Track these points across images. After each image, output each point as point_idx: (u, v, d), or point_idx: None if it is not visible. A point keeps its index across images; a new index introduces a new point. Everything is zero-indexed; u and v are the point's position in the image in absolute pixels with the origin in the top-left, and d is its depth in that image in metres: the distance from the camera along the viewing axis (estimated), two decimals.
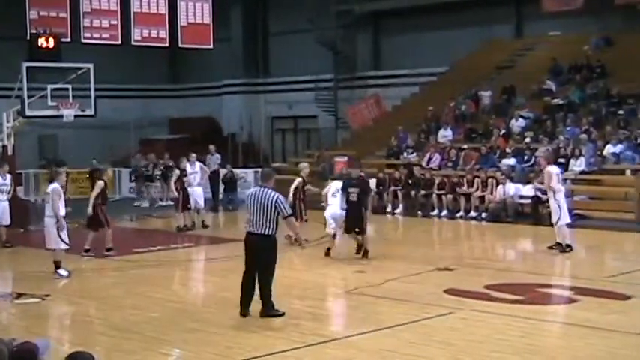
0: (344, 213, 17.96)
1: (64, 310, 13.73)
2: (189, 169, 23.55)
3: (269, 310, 12.34)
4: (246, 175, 32.00)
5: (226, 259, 18.20)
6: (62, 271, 16.29)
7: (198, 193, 23.53)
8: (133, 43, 28.59)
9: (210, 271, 17.79)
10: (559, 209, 18.00)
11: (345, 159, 29.90)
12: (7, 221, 20.65)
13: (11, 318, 13.56)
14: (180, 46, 29.88)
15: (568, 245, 18.07)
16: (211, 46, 30.58)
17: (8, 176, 21.26)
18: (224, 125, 40.86)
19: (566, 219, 18.18)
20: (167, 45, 29.81)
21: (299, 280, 15.71)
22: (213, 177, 28.09)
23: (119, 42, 28.40)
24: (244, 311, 12.39)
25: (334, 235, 18.43)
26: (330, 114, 37.60)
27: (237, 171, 31.34)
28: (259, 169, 30.95)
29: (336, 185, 18.61)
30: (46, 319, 13.25)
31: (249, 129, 39.93)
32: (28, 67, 24.49)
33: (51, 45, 25.28)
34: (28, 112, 24.76)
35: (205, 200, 24.58)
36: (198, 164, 24.07)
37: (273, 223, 12.15)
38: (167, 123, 41.67)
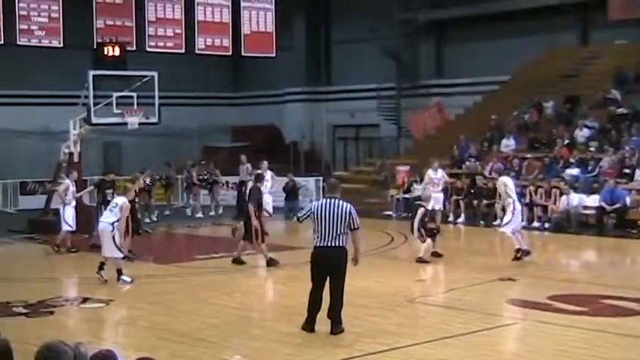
0: None
1: (127, 315, 13.90)
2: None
3: (339, 327, 11.93)
4: (308, 183, 32.07)
5: (288, 266, 18.28)
6: (125, 278, 16.50)
7: (267, 201, 23.56)
8: (196, 51, 28.90)
9: (271, 279, 17.87)
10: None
11: (407, 168, 29.87)
12: (73, 227, 20.96)
13: (76, 322, 13.78)
14: (243, 54, 30.12)
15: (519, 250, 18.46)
16: (274, 55, 30.76)
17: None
18: (286, 133, 41.01)
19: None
20: (230, 53, 30.07)
21: (359, 288, 15.67)
22: (242, 187, 28.02)
23: (183, 50, 28.74)
24: (313, 327, 11.99)
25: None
26: (392, 122, 37.52)
27: (298, 179, 31.44)
28: (320, 178, 31.13)
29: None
30: (110, 324, 13.45)
31: (310, 137, 40.02)
32: (94, 76, 24.88)
33: (116, 53, 25.69)
34: (94, 120, 25.14)
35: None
36: (269, 172, 24.18)
37: (346, 234, 11.77)
38: (230, 131, 41.94)
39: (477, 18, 35.21)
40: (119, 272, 16.51)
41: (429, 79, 37.47)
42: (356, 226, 11.88)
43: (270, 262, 18.14)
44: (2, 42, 25.55)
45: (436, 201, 24.13)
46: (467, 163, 29.69)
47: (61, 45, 26.50)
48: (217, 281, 17.15)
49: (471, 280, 15.99)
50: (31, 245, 22.46)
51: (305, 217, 12.02)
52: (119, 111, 25.29)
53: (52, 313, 13.85)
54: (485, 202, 26.38)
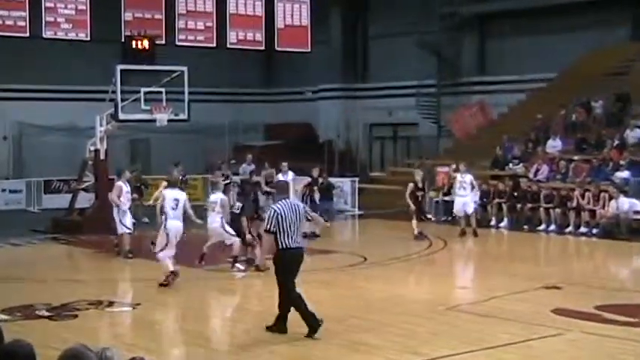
0: None
1: (154, 319, 13.93)
2: (281, 177, 23.82)
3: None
4: (343, 184, 32.02)
5: (319, 271, 18.27)
6: (240, 266, 17.61)
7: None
8: (228, 45, 28.97)
9: (303, 284, 17.83)
10: None
11: (447, 169, 29.74)
12: (131, 229, 20.52)
13: (101, 326, 13.85)
14: (276, 49, 30.15)
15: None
16: (309, 50, 30.77)
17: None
18: (320, 132, 41.01)
19: None
20: (263, 48, 30.12)
21: (396, 294, 15.66)
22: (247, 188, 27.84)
23: (214, 44, 28.82)
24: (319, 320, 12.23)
25: None
26: (431, 121, 37.41)
27: (333, 180, 31.40)
28: (356, 179, 31.12)
29: None
30: (137, 328, 13.49)
31: (346, 136, 40.00)
32: (121, 70, 24.99)
33: (145, 47, 25.79)
34: (122, 116, 25.26)
35: None
36: (290, 173, 24.18)
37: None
38: (262, 129, 42.02)
39: (522, 12, 34.99)
40: (235, 259, 17.73)
41: (471, 76, 37.30)
42: (309, 217, 13.03)
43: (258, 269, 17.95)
44: (28, 35, 25.77)
45: (464, 204, 24.11)
46: (510, 164, 29.52)
47: (88, 38, 26.68)
48: (248, 285, 17.19)
49: (514, 288, 15.88)
50: (55, 246, 22.62)
51: (274, 225, 12.18)
52: (147, 107, 25.37)
53: (75, 316, 13.92)
54: (529, 205, 26.20)
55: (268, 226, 12.23)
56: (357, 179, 31.93)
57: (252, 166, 28.77)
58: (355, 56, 41.43)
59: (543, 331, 12.46)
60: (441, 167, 30.58)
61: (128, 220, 20.29)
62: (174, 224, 16.60)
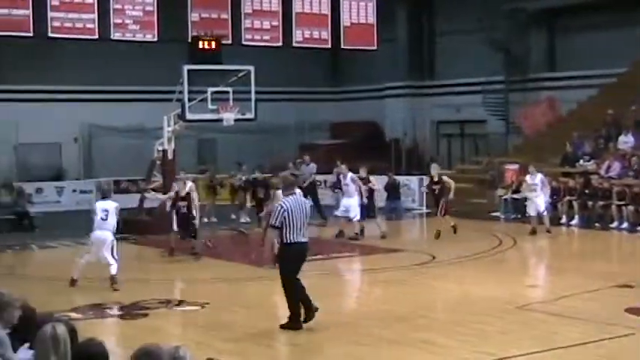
0: None
1: (223, 318, 14.02)
2: (343, 179, 24.01)
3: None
4: (410, 182, 31.95)
5: (386, 270, 18.28)
6: None
7: (352, 204, 23.53)
8: (294, 44, 29.03)
9: (370, 283, 17.87)
10: None
11: (516, 166, 29.50)
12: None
13: (171, 325, 14.03)
14: (342, 47, 30.15)
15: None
16: (375, 47, 30.70)
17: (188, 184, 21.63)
18: (386, 130, 40.94)
19: None
20: (329, 46, 30.13)
21: (465, 293, 15.60)
22: (312, 187, 27.82)
23: (280, 43, 28.90)
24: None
25: None
26: (499, 118, 37.09)
27: (400, 178, 31.36)
28: (423, 176, 30.98)
29: None
30: (205, 327, 13.60)
31: (413, 134, 39.87)
32: (188, 70, 25.22)
33: (212, 47, 25.98)
34: (189, 116, 25.50)
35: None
36: (349, 175, 24.15)
37: None
38: (328, 127, 42.06)
39: (590, 6, 34.51)
40: None
41: (540, 72, 36.89)
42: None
43: None
44: (96, 37, 26.12)
45: (537, 205, 23.87)
46: (581, 161, 29.17)
47: (156, 39, 26.96)
48: (314, 285, 17.19)
49: (586, 287, 15.70)
50: (124, 246, 22.82)
51: (280, 220, 12.56)
52: (214, 107, 25.57)
53: (146, 315, 14.12)
54: (600, 203, 25.87)
55: (274, 222, 12.63)
56: (424, 177, 31.79)
57: (311, 166, 28.77)
58: (421, 53, 41.26)
59: (616, 330, 12.31)
60: (509, 165, 30.33)
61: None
62: None
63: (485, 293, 15.59)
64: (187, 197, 20.07)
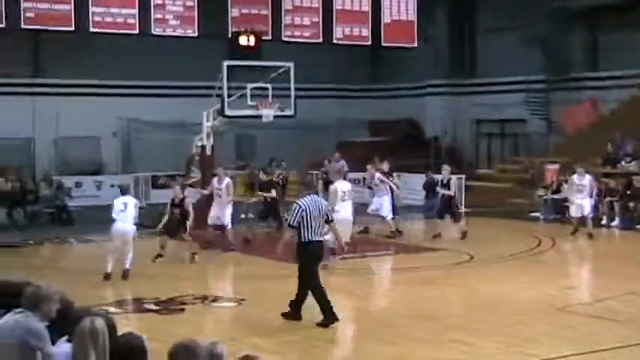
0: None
1: (259, 315, 14.05)
2: (371, 178, 23.97)
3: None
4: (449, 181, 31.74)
5: (424, 269, 18.25)
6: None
7: (382, 202, 23.49)
8: (334, 41, 29.04)
9: (406, 282, 17.80)
10: None
11: (557, 166, 29.31)
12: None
13: (207, 321, 14.09)
14: (382, 44, 30.10)
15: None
16: (415, 44, 30.62)
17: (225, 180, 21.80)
18: (426, 128, 40.81)
19: None
20: (369, 43, 30.09)
21: (504, 293, 15.52)
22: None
23: (320, 40, 28.92)
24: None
25: None
26: (540, 118, 36.87)
27: (438, 177, 31.17)
28: (463, 176, 30.85)
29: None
30: (242, 324, 13.63)
31: (452, 132, 39.72)
32: (228, 66, 25.28)
33: (252, 43, 26.04)
34: (228, 112, 25.55)
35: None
36: (377, 174, 24.04)
37: None
38: (367, 125, 42.00)
39: (634, 4, 34.16)
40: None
41: (582, 71, 36.62)
42: (331, 218, 13.63)
43: None
44: (137, 31, 26.28)
45: (580, 207, 23.63)
46: (622, 162, 28.91)
47: (196, 35, 27.08)
48: (349, 283, 17.25)
49: (626, 289, 15.54)
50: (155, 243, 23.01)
51: (297, 220, 12.95)
52: (253, 103, 25.60)
53: (182, 310, 14.20)
54: None
55: (292, 222, 13.05)
56: (464, 177, 31.64)
57: (340, 163, 28.62)
58: (462, 51, 41.09)
59: None
60: (550, 164, 30.12)
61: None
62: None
63: (524, 294, 15.50)
64: (182, 203, 20.03)
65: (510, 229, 24.86)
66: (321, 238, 13.31)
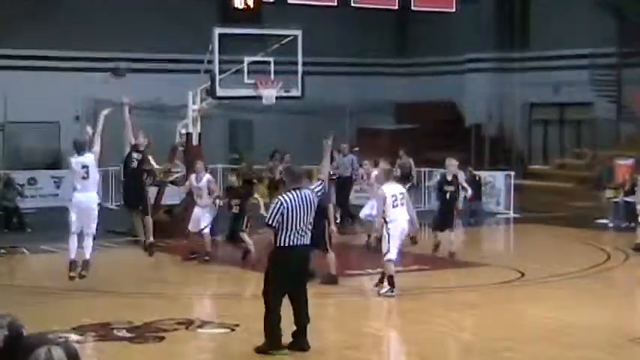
0: None
1: (254, 344, 14.00)
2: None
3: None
4: (495, 179, 31.77)
5: (465, 289, 18.20)
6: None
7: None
8: (352, 4, 29.01)
9: (444, 304, 17.76)
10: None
11: (630, 161, 29.21)
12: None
13: (192, 352, 14.06)
14: (412, 8, 30.06)
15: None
16: (453, 9, 30.60)
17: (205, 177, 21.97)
18: (467, 113, 40.81)
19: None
20: (396, 7, 30.07)
21: (564, 321, 15.47)
22: (343, 183, 27.62)
23: (335, 3, 28.89)
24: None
25: None
26: (610, 101, 36.83)
27: (482, 173, 31.20)
28: (512, 173, 30.80)
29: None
30: (235, 355, 13.61)
31: (499, 118, 39.70)
32: (220, 35, 25.22)
33: (250, 5, 25.99)
34: (220, 92, 25.49)
35: None
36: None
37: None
38: (392, 109, 42.01)
39: None
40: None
41: None
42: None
43: None
44: None
45: None
46: None
47: None
48: (375, 305, 17.23)
49: None
50: (137, 251, 23.01)
51: (276, 219, 12.79)
52: (251, 81, 25.57)
53: (161, 338, 14.16)
54: None
55: (270, 220, 12.85)
56: (512, 173, 31.64)
57: (349, 157, 28.50)
58: (512, 17, 41.08)
59: None
60: (621, 159, 30.05)
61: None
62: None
63: (588, 321, 15.45)
64: None
65: (571, 240, 24.81)
66: (306, 243, 13.05)
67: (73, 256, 17.33)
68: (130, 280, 19.07)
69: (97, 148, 17.86)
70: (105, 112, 19.19)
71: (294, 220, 12.72)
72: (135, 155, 19.92)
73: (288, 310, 13.01)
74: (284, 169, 15.66)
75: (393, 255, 17.26)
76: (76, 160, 17.59)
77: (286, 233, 12.72)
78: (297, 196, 12.91)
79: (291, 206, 12.74)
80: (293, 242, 12.78)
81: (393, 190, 17.73)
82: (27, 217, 27.68)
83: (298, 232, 12.79)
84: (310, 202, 13.00)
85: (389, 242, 17.26)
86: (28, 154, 35.10)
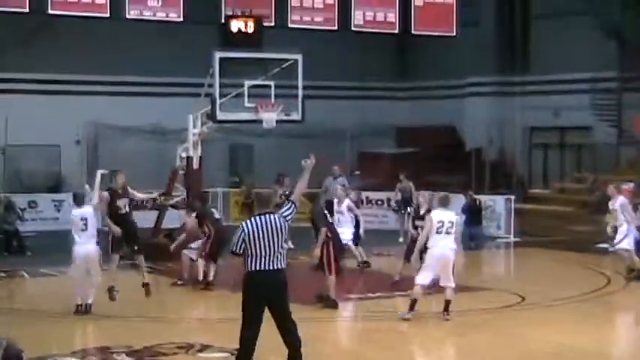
0: None
1: None
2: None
3: None
4: (495, 203, 31.76)
5: (466, 313, 18.16)
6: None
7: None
8: (352, 28, 29.07)
9: (443, 330, 17.73)
10: None
11: (631, 185, 29.16)
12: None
13: None
14: (413, 32, 30.10)
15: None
16: (454, 33, 30.64)
17: None
18: (466, 137, 40.80)
19: None
20: (396, 31, 30.11)
21: (566, 347, 15.44)
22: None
23: (335, 27, 28.94)
24: None
25: None
26: (610, 125, 36.83)
27: (483, 197, 31.19)
28: (512, 197, 30.82)
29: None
30: None
31: (499, 142, 39.69)
32: (221, 59, 25.27)
33: (250, 30, 26.06)
34: (220, 116, 25.54)
35: None
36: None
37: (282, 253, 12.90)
38: (393, 133, 42.01)
39: None
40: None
41: None
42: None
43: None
44: (108, 15, 26.31)
45: None
46: None
47: (181, 19, 27.13)
48: (371, 331, 17.19)
49: None
50: (136, 274, 22.99)
51: (240, 246, 12.69)
52: (252, 105, 25.62)
53: None
54: None
55: (233, 247, 12.81)
56: (513, 197, 31.64)
57: (340, 180, 28.39)
58: (512, 41, 41.10)
59: None
60: (622, 183, 29.99)
61: None
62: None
63: (589, 345, 15.42)
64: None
65: (571, 264, 24.79)
66: (279, 267, 12.79)
67: (79, 301, 17.58)
68: (130, 303, 19.02)
69: (95, 202, 18.36)
70: (101, 170, 19.40)
71: (259, 245, 12.58)
72: (119, 202, 19.70)
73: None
74: (258, 196, 15.47)
75: (421, 279, 17.25)
76: (75, 212, 18.15)
77: (254, 259, 12.62)
78: (261, 221, 12.76)
79: (254, 232, 12.61)
80: (262, 267, 12.63)
81: (442, 216, 17.51)
82: (27, 240, 27.65)
83: (268, 256, 12.63)
84: (276, 225, 12.75)
85: (422, 267, 17.39)
86: (28, 177, 35.09)
